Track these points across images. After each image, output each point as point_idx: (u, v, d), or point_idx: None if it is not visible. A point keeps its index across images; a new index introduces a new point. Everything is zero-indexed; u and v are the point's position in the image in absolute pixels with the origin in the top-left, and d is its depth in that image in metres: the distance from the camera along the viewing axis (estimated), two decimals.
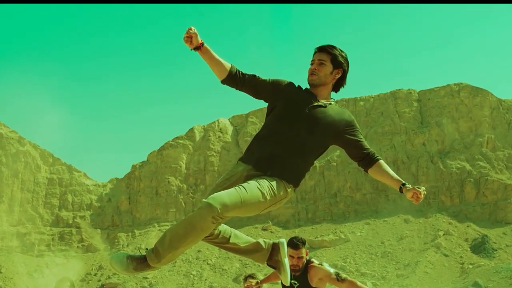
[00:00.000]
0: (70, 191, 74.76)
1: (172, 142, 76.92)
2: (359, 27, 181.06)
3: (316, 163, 67.94)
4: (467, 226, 64.54)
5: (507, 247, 61.23)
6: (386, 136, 72.68)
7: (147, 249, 4.62)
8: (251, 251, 5.14)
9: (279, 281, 6.45)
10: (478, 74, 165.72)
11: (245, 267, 62.34)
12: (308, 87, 4.95)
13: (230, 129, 78.43)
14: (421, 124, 73.43)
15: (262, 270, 55.44)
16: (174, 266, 63.18)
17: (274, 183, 4.64)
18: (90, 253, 69.78)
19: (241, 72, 4.95)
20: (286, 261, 5.09)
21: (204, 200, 4.37)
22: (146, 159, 77.10)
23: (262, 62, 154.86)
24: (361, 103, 75.71)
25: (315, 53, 4.98)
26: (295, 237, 6.81)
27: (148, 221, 72.03)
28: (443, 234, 63.04)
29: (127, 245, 68.43)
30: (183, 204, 72.24)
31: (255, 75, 4.95)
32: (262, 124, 5.01)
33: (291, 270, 6.57)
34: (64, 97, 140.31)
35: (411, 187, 4.72)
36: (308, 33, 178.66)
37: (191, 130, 78.19)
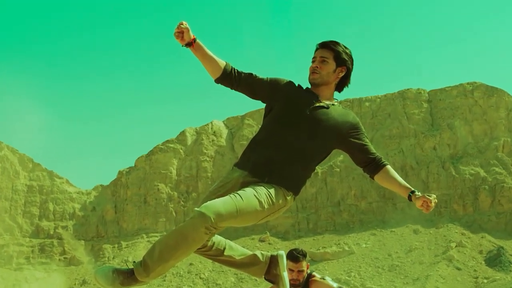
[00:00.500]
0: (51, 199, 74.72)
1: (162, 146, 76.95)
2: (364, 21, 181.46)
3: (318, 169, 68.00)
4: (482, 237, 64.62)
5: None
6: (394, 140, 72.80)
7: (134, 262, 4.62)
8: (248, 264, 5.14)
9: None
10: (494, 73, 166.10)
11: (241, 281, 62.33)
12: (309, 86, 4.96)
13: (224, 132, 78.50)
14: (431, 127, 73.57)
15: (260, 285, 55.49)
16: (164, 280, 63.14)
17: (272, 191, 4.64)
18: (73, 267, 69.73)
19: (237, 70, 4.95)
20: (285, 275, 5.10)
21: (196, 209, 4.37)
22: (133, 165, 77.15)
23: (259, 59, 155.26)
24: (367, 104, 75.84)
25: (316, 49, 4.99)
26: (295, 249, 6.81)
27: (136, 231, 72.02)
28: (456, 246, 63.11)
29: (113, 258, 68.39)
30: (173, 213, 72.25)
31: (251, 74, 4.95)
32: (259, 126, 5.01)
33: (291, 285, 6.57)
34: (45, 97, 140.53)
35: (420, 194, 4.73)
36: (309, 28, 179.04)
37: (183, 133, 78.25)
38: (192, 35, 4.80)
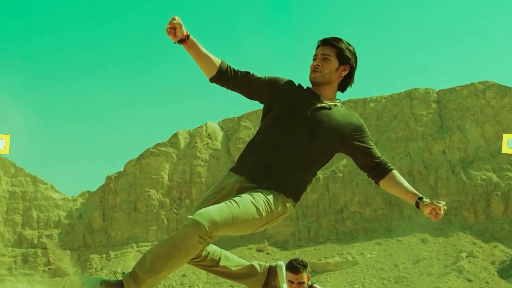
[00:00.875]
0: (35, 206, 74.64)
1: (153, 150, 76.92)
2: (368, 17, 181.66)
3: (320, 173, 68.02)
4: (494, 247, 64.64)
5: None
6: (400, 143, 72.83)
7: (124, 273, 4.62)
8: (245, 275, 5.15)
9: None
10: (507, 71, 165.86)
11: None
12: (310, 86, 4.96)
13: (220, 134, 78.49)
14: (440, 129, 73.61)
15: None
16: None
17: (270, 197, 4.64)
18: (58, 278, 69.64)
19: (233, 68, 4.95)
20: (285, 287, 5.10)
21: (190, 216, 4.37)
22: (122, 169, 77.08)
23: (258, 58, 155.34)
24: (372, 104, 75.89)
25: (318, 46, 4.99)
26: (295, 260, 6.82)
27: (125, 241, 71.95)
28: (466, 256, 63.12)
29: (101, 269, 68.32)
30: (165, 221, 72.20)
31: (248, 72, 4.96)
32: (257, 128, 5.02)
33: None
34: (28, 97, 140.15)
35: (429, 201, 4.74)
36: (310, 26, 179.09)
37: (175, 135, 78.22)
38: (185, 31, 4.79)
